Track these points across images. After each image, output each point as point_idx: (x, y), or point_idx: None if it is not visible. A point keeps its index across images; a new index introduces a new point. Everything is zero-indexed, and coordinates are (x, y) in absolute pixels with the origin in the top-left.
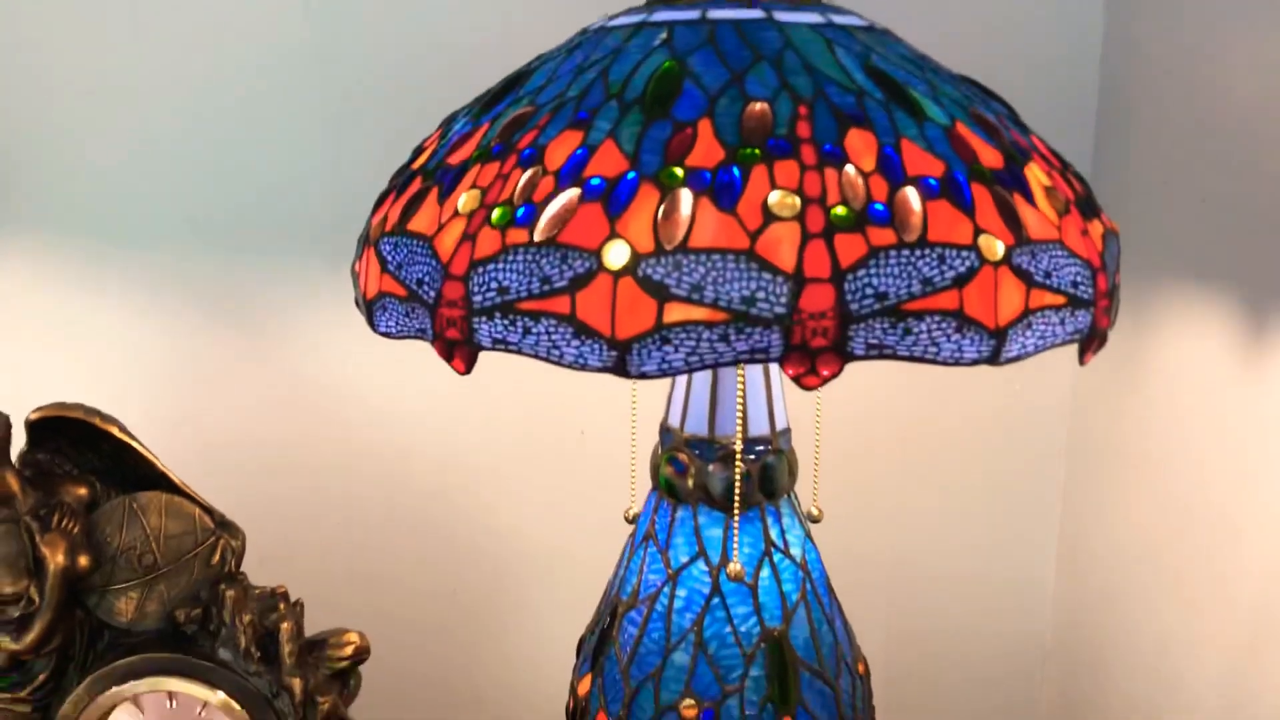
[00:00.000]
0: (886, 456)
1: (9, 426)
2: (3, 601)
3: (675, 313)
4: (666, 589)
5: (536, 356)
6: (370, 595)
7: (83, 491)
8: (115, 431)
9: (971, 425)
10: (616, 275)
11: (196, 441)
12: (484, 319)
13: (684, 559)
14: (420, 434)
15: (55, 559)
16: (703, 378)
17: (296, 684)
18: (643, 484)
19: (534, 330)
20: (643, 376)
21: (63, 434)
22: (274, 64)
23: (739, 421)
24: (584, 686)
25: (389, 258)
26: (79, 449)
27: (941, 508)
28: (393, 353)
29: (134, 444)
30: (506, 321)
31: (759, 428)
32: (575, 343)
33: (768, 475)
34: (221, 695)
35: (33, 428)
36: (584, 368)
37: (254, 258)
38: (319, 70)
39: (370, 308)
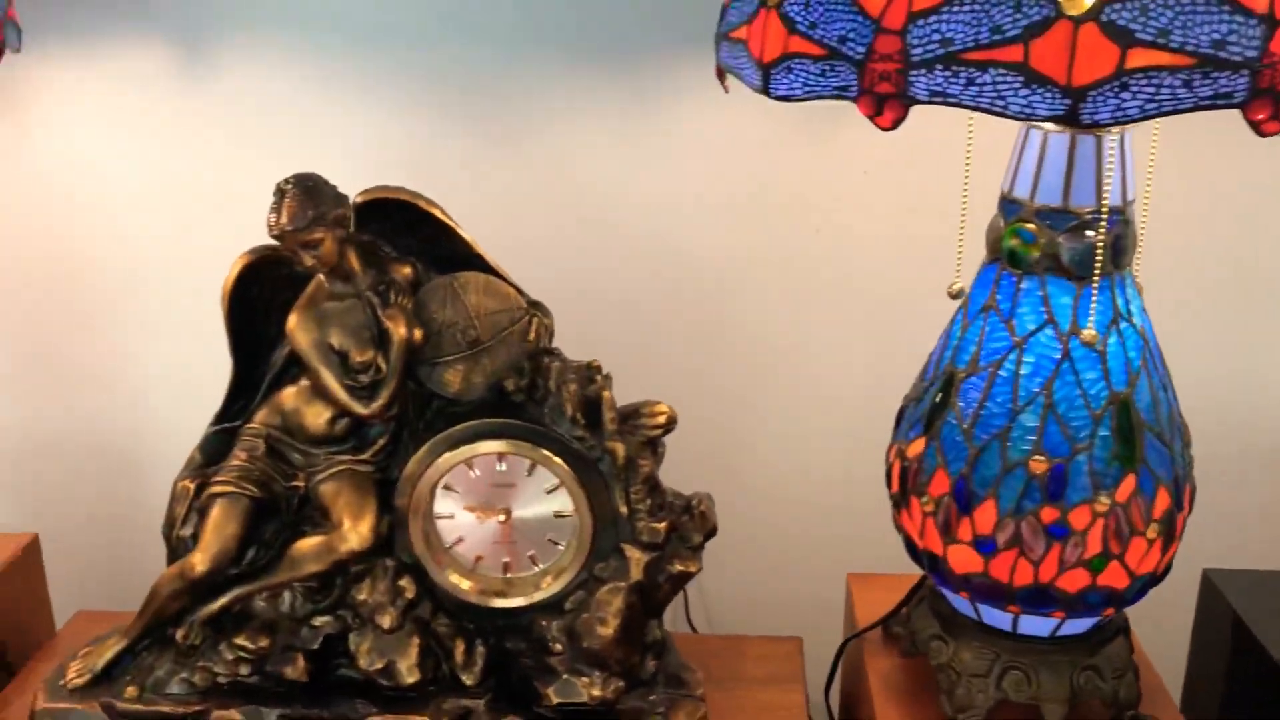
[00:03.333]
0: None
1: (351, 208)
2: (354, 370)
3: (1139, 58)
4: (1012, 356)
5: (977, 108)
6: (646, 381)
7: (407, 271)
8: (438, 213)
9: None
10: (1078, 21)
11: None
12: (922, 71)
13: (1031, 327)
14: (679, 233)
15: (398, 330)
16: (1059, 147)
17: (619, 448)
18: (969, 258)
19: (978, 80)
20: (1094, 126)
21: (386, 218)
22: None
23: (1103, 190)
24: (915, 449)
25: (799, 18)
26: (397, 232)
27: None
28: (639, 146)
29: (454, 226)
30: (948, 73)
31: (1113, 198)
32: (1024, 92)
33: (1119, 245)
34: (553, 456)
35: (358, 211)
36: (1030, 117)
37: (508, 53)
38: None
39: (768, 71)
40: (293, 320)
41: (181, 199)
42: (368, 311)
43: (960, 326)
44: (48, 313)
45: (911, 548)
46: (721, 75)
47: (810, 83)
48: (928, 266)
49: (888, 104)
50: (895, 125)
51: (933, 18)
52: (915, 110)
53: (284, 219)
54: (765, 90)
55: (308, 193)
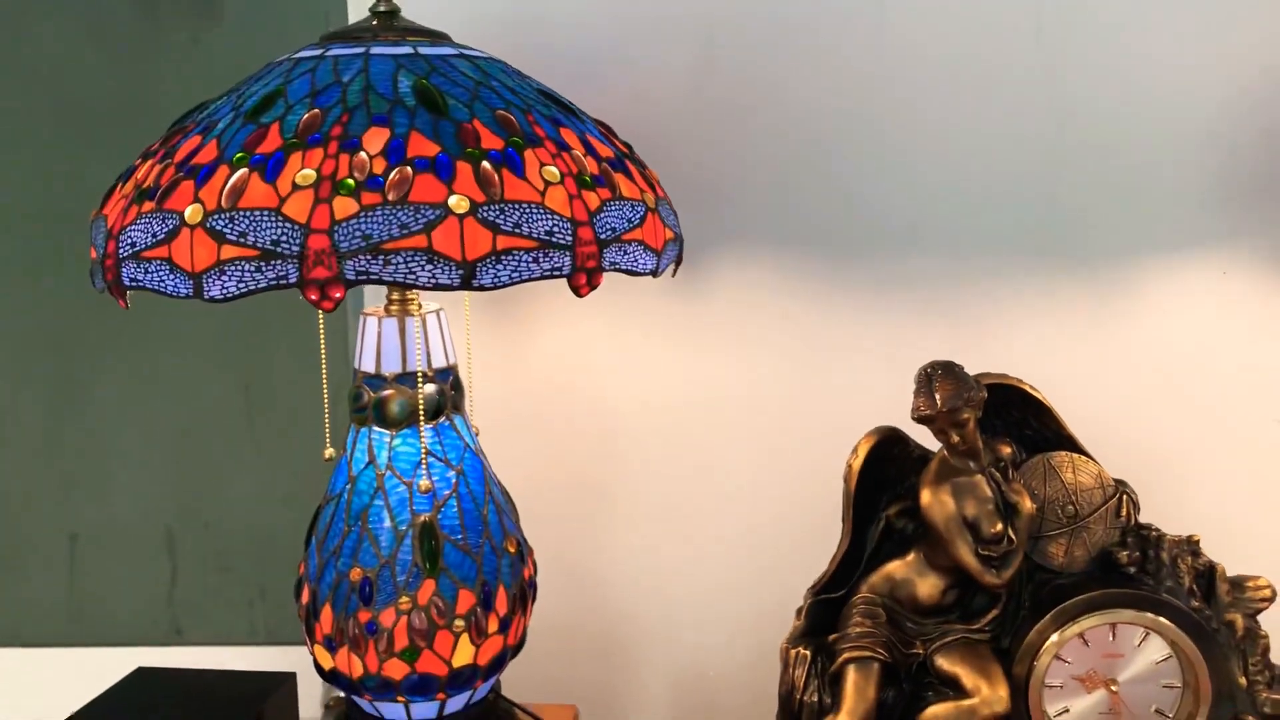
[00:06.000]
0: None
1: (985, 396)
2: (986, 541)
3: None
4: None
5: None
6: None
7: (1008, 450)
8: (1040, 397)
9: None
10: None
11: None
12: None
13: None
14: (1138, 423)
15: (1024, 504)
16: None
17: (1239, 620)
18: None
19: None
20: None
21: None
22: (1002, 85)
23: None
24: None
25: None
26: (987, 415)
27: None
28: (1097, 343)
29: (1053, 409)
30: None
31: None
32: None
33: None
34: (1173, 625)
35: None
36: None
37: (969, 262)
38: (1045, 92)
39: None
40: (927, 496)
41: (675, 401)
42: (993, 487)
43: None
44: (563, 508)
45: None
46: None
47: None
48: None
49: None
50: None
51: None
52: None
53: (939, 401)
54: None
55: (956, 377)
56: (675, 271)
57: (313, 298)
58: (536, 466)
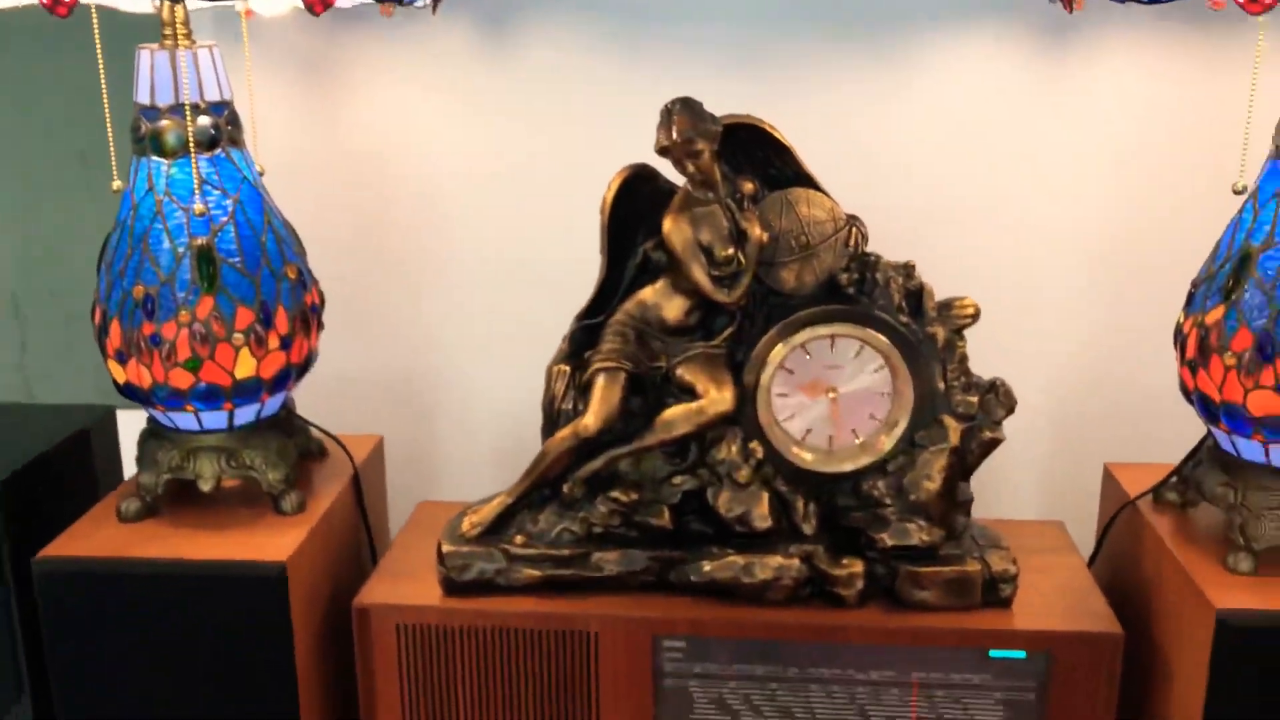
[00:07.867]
0: None
1: (721, 130)
2: (718, 264)
3: None
4: None
5: None
6: None
7: (750, 186)
8: (779, 136)
9: None
10: None
11: None
12: None
13: None
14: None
15: (754, 231)
16: None
17: (940, 332)
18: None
19: None
20: None
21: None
22: None
23: None
24: (1214, 316)
25: None
26: (732, 153)
27: None
28: (885, 101)
29: (791, 148)
30: None
31: None
32: None
33: None
34: (883, 338)
35: None
36: None
37: (781, 28)
38: None
39: None
40: (668, 224)
41: (482, 163)
42: (728, 216)
43: (1252, 214)
44: (370, 263)
45: (1206, 405)
46: None
47: None
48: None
49: None
50: None
51: None
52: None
53: (674, 133)
54: None
55: (693, 112)
56: (435, 8)
57: (46, 3)
58: (335, 212)
